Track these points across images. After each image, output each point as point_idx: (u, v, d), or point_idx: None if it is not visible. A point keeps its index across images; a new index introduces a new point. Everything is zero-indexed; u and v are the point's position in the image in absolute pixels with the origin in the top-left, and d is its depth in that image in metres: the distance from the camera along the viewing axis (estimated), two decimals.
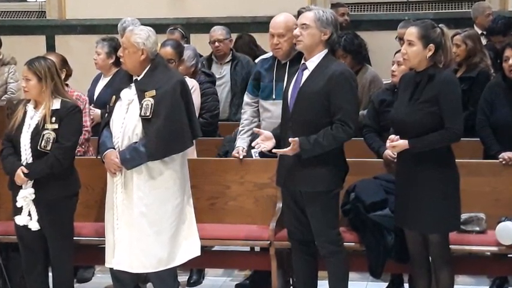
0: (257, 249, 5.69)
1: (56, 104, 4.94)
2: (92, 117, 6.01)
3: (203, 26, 8.81)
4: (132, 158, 4.79)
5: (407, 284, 5.33)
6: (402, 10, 9.21)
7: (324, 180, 4.64)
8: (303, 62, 4.76)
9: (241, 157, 5.42)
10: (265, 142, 4.79)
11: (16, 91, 8.05)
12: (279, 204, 5.19)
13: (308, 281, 4.91)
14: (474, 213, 5.03)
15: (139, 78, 4.92)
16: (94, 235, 5.31)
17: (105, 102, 5.26)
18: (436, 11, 9.05)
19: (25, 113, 4.99)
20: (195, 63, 6.14)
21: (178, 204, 4.91)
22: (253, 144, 5.03)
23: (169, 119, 4.79)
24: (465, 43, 6.19)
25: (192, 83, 5.72)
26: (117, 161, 4.81)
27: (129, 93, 4.91)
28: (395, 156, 4.81)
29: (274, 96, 5.26)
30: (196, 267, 5.81)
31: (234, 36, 7.80)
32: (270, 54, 5.47)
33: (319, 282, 4.95)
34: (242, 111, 5.57)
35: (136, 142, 4.81)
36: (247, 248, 5.74)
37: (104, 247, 5.02)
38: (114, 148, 4.87)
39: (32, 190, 4.89)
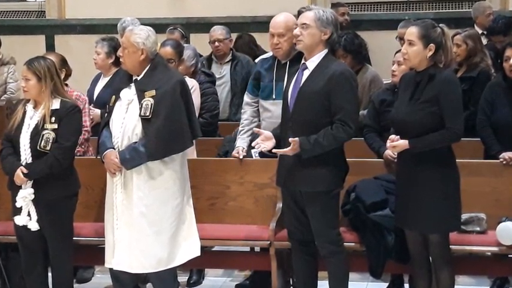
0: (257, 249, 5.68)
1: (56, 104, 4.93)
2: (91, 117, 6.00)
3: (203, 25, 8.80)
4: (131, 158, 4.78)
5: (408, 284, 5.33)
6: (402, 10, 9.20)
7: (324, 180, 4.64)
8: (303, 61, 4.76)
9: (241, 157, 5.41)
10: (265, 142, 4.79)
11: (15, 91, 8.04)
12: (279, 205, 5.19)
13: (308, 281, 4.90)
14: (475, 214, 5.03)
15: (139, 78, 4.91)
16: (94, 235, 5.31)
17: (105, 102, 5.25)
18: (437, 11, 9.04)
19: (24, 113, 4.98)
20: (194, 63, 6.14)
21: (178, 204, 4.90)
22: (253, 144, 5.02)
23: (169, 119, 4.78)
24: (466, 43, 6.19)
25: (192, 83, 5.72)
26: (117, 161, 4.80)
27: (128, 93, 4.90)
28: (396, 156, 4.80)
29: (274, 96, 5.26)
30: (196, 268, 5.81)
31: (234, 36, 7.80)
32: (270, 54, 5.46)
33: (319, 282, 4.94)
34: (242, 111, 5.56)
35: (136, 142, 4.80)
36: (247, 248, 5.73)
37: (104, 247, 5.02)
38: (113, 148, 4.86)
39: (32, 190, 4.89)
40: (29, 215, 4.92)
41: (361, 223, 4.97)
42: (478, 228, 5.01)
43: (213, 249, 5.83)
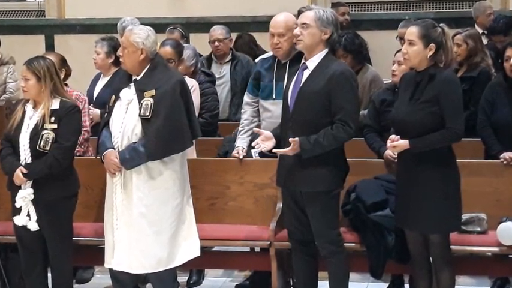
0: (257, 249, 5.67)
1: (55, 104, 4.92)
2: (91, 117, 6.00)
3: (203, 25, 8.79)
4: (131, 158, 4.77)
5: (408, 284, 5.33)
6: (403, 9, 9.19)
7: (324, 180, 4.63)
8: (303, 61, 4.75)
9: (241, 157, 5.40)
10: (265, 142, 4.78)
11: (15, 91, 8.03)
12: (279, 205, 5.18)
13: (308, 281, 4.90)
14: (475, 214, 5.02)
15: (138, 78, 4.90)
16: (93, 235, 5.30)
17: (105, 102, 5.24)
18: (437, 11, 9.03)
19: (24, 112, 4.98)
20: (194, 63, 6.13)
21: (178, 204, 4.89)
22: (253, 144, 5.02)
23: (169, 119, 4.77)
24: (466, 43, 6.18)
25: (191, 83, 5.71)
26: (117, 161, 4.79)
27: (128, 93, 4.89)
28: (396, 156, 4.80)
29: (274, 96, 5.25)
30: (196, 268, 5.80)
31: (234, 35, 7.79)
32: (270, 53, 5.45)
33: (319, 282, 4.94)
34: (242, 111, 5.55)
35: (135, 142, 4.80)
36: (247, 249, 5.73)
37: (103, 248, 5.01)
38: (113, 148, 4.86)
39: (31, 190, 4.88)
40: (28, 215, 4.91)
41: (361, 223, 4.96)
42: (478, 229, 5.00)
43: (213, 249, 5.82)
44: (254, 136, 5.11)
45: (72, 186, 5.02)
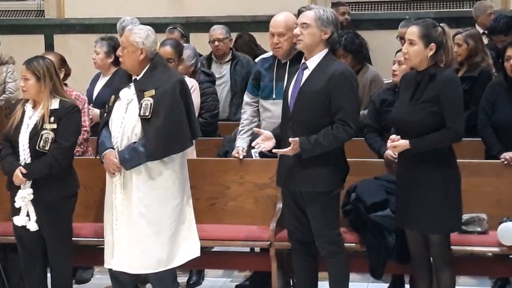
0: (257, 249, 5.67)
1: (55, 104, 4.92)
2: (90, 117, 6.00)
3: (203, 25, 8.79)
4: (131, 158, 4.76)
5: (409, 285, 5.32)
6: (403, 9, 9.18)
7: (324, 180, 4.62)
8: (303, 61, 4.74)
9: (241, 157, 5.39)
10: (265, 142, 4.77)
11: (14, 91, 8.03)
12: (279, 205, 5.17)
13: (308, 281, 4.89)
14: (476, 214, 5.02)
15: (138, 78, 4.89)
16: (93, 236, 5.29)
17: (104, 102, 5.23)
18: (437, 10, 9.02)
19: (23, 112, 4.97)
20: (194, 63, 6.13)
21: (177, 204, 4.88)
22: (253, 144, 5.01)
23: (169, 118, 4.77)
24: (466, 42, 6.18)
25: (191, 83, 5.70)
26: (116, 161, 4.79)
27: (128, 93, 4.89)
28: (396, 156, 4.79)
29: (274, 96, 5.24)
30: (196, 268, 5.79)
31: (233, 35, 7.79)
32: (270, 53, 5.45)
33: (319, 283, 4.93)
34: (242, 111, 5.54)
35: (135, 142, 4.79)
36: (247, 249, 5.72)
37: (103, 248, 5.00)
38: (113, 148, 4.85)
39: (31, 190, 4.88)
40: (28, 215, 4.90)
41: (361, 223, 4.96)
42: (479, 229, 4.99)
43: (213, 249, 5.82)
44: (254, 136, 5.11)
45: (71, 186, 5.02)
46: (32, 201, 4.89)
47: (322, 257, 4.79)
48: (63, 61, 5.74)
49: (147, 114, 4.76)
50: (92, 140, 5.71)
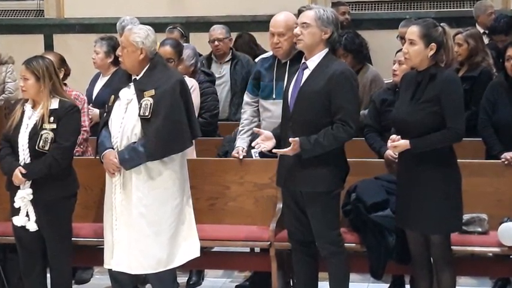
0: (257, 250, 5.66)
1: (54, 104, 4.91)
2: (90, 117, 5.99)
3: (203, 24, 8.78)
4: (131, 158, 4.76)
5: (409, 285, 5.32)
6: (403, 9, 9.18)
7: (324, 180, 4.61)
8: (303, 61, 4.74)
9: (241, 157, 5.39)
10: (265, 142, 4.77)
11: (14, 91, 8.02)
12: (279, 205, 5.16)
13: (308, 282, 4.88)
14: (476, 214, 5.01)
15: (138, 78, 4.89)
16: (93, 236, 5.29)
17: (104, 102, 5.23)
18: (438, 10, 9.02)
19: (23, 112, 4.96)
20: (194, 63, 6.12)
21: (177, 204, 4.88)
22: (253, 144, 5.01)
23: (169, 118, 4.76)
24: (467, 42, 6.17)
25: (191, 83, 5.69)
26: (116, 161, 4.78)
27: (128, 93, 4.88)
28: (397, 156, 4.78)
29: (274, 96, 5.23)
30: (195, 268, 5.79)
31: (233, 35, 7.78)
32: (270, 53, 5.44)
33: (319, 283, 4.92)
34: (242, 110, 5.54)
35: (135, 142, 4.78)
36: (247, 249, 5.72)
37: (103, 248, 5.00)
38: (112, 148, 4.84)
39: (30, 190, 4.87)
40: (27, 215, 4.90)
41: (361, 224, 4.95)
42: (479, 229, 4.99)
43: (213, 249, 5.81)
44: (254, 136, 5.10)
45: (71, 187, 5.01)
46: (32, 201, 4.88)
47: (322, 258, 4.78)
48: (62, 61, 5.73)
49: (146, 114, 4.75)
50: (91, 140, 5.70)
